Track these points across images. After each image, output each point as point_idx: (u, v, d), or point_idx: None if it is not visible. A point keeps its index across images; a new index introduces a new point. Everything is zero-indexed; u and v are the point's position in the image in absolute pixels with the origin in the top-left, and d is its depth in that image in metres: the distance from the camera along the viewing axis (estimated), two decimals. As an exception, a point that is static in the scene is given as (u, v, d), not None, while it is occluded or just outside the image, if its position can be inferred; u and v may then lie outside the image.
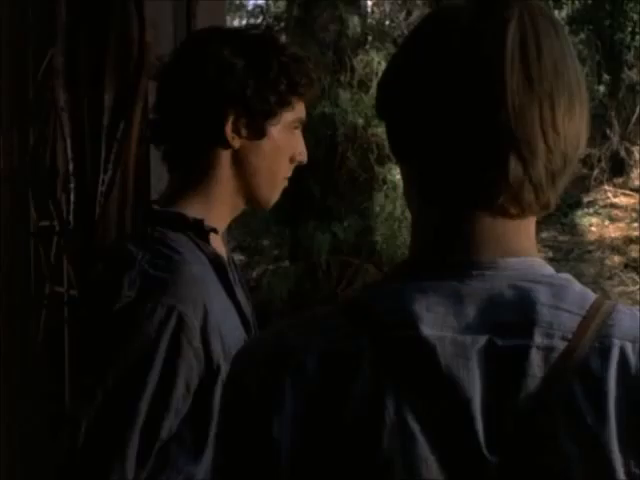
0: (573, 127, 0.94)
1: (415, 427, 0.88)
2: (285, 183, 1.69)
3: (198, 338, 1.48)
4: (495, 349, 0.89)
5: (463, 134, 0.92)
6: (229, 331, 1.53)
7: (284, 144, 1.64)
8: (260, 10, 11.40)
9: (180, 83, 1.63)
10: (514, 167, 0.91)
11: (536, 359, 0.89)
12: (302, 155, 1.68)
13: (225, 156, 1.61)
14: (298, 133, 1.67)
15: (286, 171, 1.67)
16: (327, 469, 0.89)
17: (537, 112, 0.92)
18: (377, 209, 9.37)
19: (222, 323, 1.52)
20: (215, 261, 1.59)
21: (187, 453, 1.49)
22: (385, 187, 9.20)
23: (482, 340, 0.89)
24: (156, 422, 1.45)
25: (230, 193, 1.63)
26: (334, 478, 0.89)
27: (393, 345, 0.90)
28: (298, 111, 1.65)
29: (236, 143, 1.60)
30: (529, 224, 0.97)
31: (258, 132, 1.61)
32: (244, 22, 11.56)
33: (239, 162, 1.62)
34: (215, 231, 1.61)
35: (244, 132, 1.60)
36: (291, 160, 1.67)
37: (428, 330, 0.89)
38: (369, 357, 0.90)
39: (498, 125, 0.91)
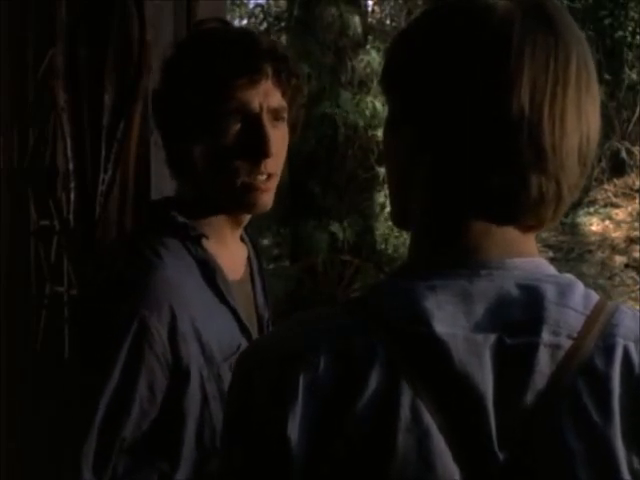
0: (594, 152, 0.96)
1: (430, 423, 0.88)
2: (256, 182, 1.54)
3: (162, 343, 1.46)
4: (505, 347, 0.90)
5: (502, 152, 0.92)
6: (215, 335, 1.51)
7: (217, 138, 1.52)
8: (261, 10, 11.41)
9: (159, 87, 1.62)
10: (552, 194, 0.93)
11: (544, 356, 0.90)
12: (248, 146, 1.51)
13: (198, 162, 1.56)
14: (231, 122, 1.52)
15: (238, 166, 1.52)
16: (343, 468, 0.89)
17: (577, 144, 0.93)
18: (377, 209, 9.38)
19: (204, 328, 1.50)
20: (203, 266, 1.55)
21: (159, 456, 1.48)
22: (385, 187, 9.19)
23: (492, 338, 0.90)
24: (116, 421, 1.45)
25: (214, 199, 1.58)
26: (350, 476, 0.89)
27: (406, 342, 0.90)
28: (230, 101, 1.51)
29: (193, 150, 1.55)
30: (536, 232, 0.98)
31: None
32: (244, 22, 11.56)
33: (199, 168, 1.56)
34: (204, 236, 1.57)
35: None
36: (238, 153, 1.52)
37: (440, 327, 0.90)
38: (381, 355, 0.90)
39: (548, 153, 0.92)
